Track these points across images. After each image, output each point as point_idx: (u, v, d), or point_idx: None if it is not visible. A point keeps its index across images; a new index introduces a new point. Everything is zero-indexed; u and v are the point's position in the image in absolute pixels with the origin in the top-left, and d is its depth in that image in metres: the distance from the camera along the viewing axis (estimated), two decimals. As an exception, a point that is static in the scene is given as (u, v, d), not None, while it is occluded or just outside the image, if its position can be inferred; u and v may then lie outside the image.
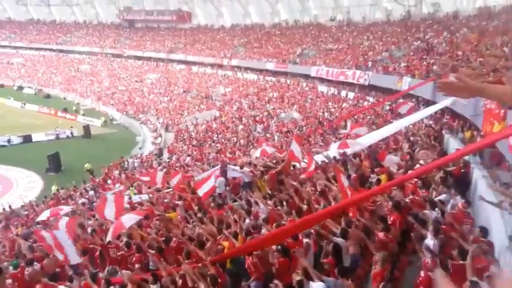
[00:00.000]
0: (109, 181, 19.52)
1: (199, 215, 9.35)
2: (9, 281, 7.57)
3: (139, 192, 14.99)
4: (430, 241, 5.92)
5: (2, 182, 22.83)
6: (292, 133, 20.29)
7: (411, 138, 13.34)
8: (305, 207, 7.89)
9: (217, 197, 11.78)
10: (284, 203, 8.55)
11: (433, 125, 15.35)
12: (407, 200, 7.57)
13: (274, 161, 12.83)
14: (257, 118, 27.87)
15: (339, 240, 6.34)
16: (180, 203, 11.14)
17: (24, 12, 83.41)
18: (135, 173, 19.95)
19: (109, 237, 8.30)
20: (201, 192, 10.68)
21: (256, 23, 56.09)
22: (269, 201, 8.89)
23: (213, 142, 24.84)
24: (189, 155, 22.18)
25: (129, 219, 8.47)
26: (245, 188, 11.56)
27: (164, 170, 17.19)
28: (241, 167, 12.60)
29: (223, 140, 24.60)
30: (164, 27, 65.76)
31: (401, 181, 7.54)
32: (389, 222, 6.66)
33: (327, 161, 10.68)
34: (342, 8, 46.84)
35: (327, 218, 6.42)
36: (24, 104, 45.83)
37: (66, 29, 75.05)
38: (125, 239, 8.48)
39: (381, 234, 6.24)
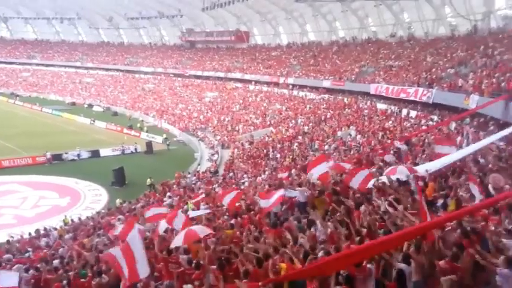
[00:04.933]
0: (168, 194, 20.16)
1: (255, 233, 9.33)
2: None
3: (197, 208, 15.30)
4: (505, 271, 5.41)
5: (71, 194, 24.37)
6: (350, 152, 19.89)
7: (480, 161, 12.45)
8: (364, 230, 7.61)
9: (273, 216, 11.73)
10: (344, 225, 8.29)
11: (504, 146, 14.23)
12: (479, 227, 7.04)
13: (333, 181, 12.57)
14: (313, 136, 27.63)
15: (403, 265, 6.04)
16: (233, 221, 11.18)
17: (95, 36, 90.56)
18: (193, 188, 20.52)
19: (179, 243, 8.54)
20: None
21: (312, 41, 56.28)
22: (328, 223, 8.68)
23: (269, 160, 24.96)
24: (245, 172, 22.44)
25: (203, 230, 8.67)
26: (300, 208, 11.41)
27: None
28: (299, 186, 12.48)
29: (278, 158, 24.64)
30: (223, 47, 67.96)
31: (476, 209, 7.02)
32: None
33: (385, 182, 10.29)
34: (403, 24, 45.68)
35: (395, 245, 6.13)
36: (94, 121, 49.07)
37: (133, 51, 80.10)
38: (185, 256, 8.63)
39: (442, 263, 5.84)
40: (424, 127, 21.71)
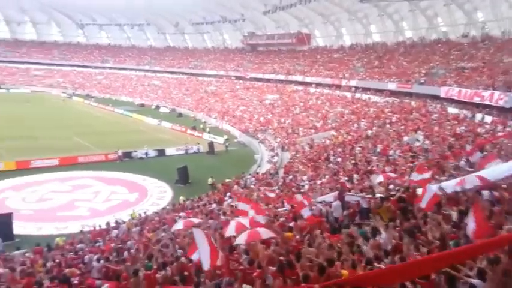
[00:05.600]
0: (228, 194, 20.55)
1: (318, 238, 9.18)
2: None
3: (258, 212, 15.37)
4: None
5: (139, 190, 25.68)
6: (417, 158, 18.96)
7: None
8: (437, 242, 7.17)
9: (334, 221, 11.48)
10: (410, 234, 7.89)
11: None
12: None
13: (397, 188, 12.05)
14: (376, 140, 26.71)
15: (476, 281, 5.58)
16: (292, 224, 11.08)
17: (163, 40, 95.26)
18: (253, 190, 20.73)
19: (241, 241, 8.62)
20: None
21: (377, 42, 54.56)
22: (393, 231, 8.31)
23: (330, 163, 24.51)
24: (305, 175, 22.26)
25: (266, 233, 8.69)
26: (363, 214, 11.08)
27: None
28: (361, 191, 12.14)
29: (339, 162, 24.11)
30: (284, 50, 68.11)
31: None
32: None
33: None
34: (476, 23, 42.79)
35: (465, 258, 5.70)
36: (160, 122, 51.42)
37: (197, 55, 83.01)
38: (246, 256, 8.71)
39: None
40: (500, 133, 20.12)
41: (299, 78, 54.91)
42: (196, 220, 13.79)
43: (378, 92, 40.75)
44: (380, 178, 13.20)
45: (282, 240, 9.44)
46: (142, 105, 67.15)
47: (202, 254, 7.65)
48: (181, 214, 17.01)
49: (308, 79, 53.08)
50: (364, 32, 57.80)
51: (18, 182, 25.75)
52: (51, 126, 45.54)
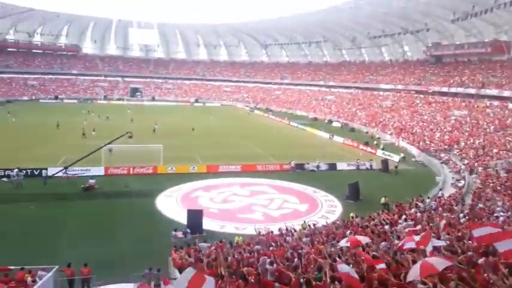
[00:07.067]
0: (403, 217, 18.99)
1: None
2: None
3: (437, 237, 13.72)
4: None
5: (309, 201, 26.15)
6: None
7: None
8: None
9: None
10: None
11: None
12: None
13: None
14: None
15: None
16: (482, 260, 9.31)
17: (338, 56, 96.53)
18: (433, 216, 18.63)
19: (415, 276, 7.73)
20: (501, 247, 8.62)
21: None
22: None
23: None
24: (501, 206, 18.88)
25: (440, 263, 7.62)
26: None
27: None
28: None
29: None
30: (475, 61, 60.44)
31: None
32: None
33: None
34: None
35: None
36: (332, 136, 51.84)
37: (373, 68, 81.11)
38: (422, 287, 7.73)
39: None
40: None
41: (494, 92, 47.68)
42: (363, 239, 13.04)
43: None
44: None
45: (469, 278, 8.05)
46: (315, 119, 69.08)
47: None
48: (349, 231, 16.48)
49: (506, 93, 45.60)
50: None
51: (208, 184, 29.43)
52: (238, 136, 51.00)
